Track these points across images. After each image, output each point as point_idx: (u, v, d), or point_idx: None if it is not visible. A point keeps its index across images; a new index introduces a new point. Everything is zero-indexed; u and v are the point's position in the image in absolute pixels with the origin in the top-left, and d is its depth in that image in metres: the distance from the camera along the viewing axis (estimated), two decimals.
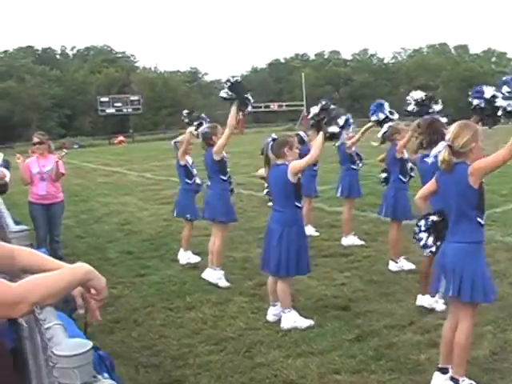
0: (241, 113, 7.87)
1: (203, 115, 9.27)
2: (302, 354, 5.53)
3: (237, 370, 5.28)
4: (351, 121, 7.65)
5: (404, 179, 8.12)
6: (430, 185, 5.04)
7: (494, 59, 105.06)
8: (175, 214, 9.58)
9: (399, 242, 8.23)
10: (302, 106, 73.69)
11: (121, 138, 61.40)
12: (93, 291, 2.23)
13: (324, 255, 8.97)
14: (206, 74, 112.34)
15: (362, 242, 9.71)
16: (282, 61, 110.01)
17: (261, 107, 73.75)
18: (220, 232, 8.08)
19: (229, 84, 7.74)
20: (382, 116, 8.92)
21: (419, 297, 6.63)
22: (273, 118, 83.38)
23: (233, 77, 7.82)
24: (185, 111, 9.51)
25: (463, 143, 4.57)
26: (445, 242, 4.84)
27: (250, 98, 7.84)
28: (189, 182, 9.25)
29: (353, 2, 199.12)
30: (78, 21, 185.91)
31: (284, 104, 78.48)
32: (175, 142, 9.42)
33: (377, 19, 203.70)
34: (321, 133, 6.26)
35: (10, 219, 3.88)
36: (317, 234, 10.46)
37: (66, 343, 1.55)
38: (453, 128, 4.71)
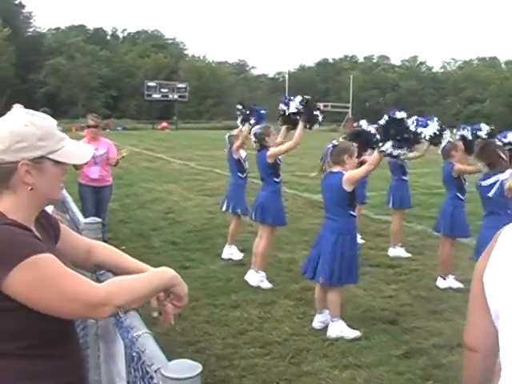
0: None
1: (257, 108, 9.14)
2: (348, 366, 5.46)
3: (282, 377, 5.23)
4: None
5: (462, 197, 7.99)
6: None
7: None
8: (225, 209, 9.45)
9: (450, 259, 8.11)
10: (348, 107, 73.28)
11: (164, 123, 61.68)
12: (172, 296, 2.21)
13: (370, 264, 8.86)
14: (253, 67, 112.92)
15: (409, 255, 9.58)
16: (331, 61, 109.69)
17: None
18: (267, 234, 8.01)
19: (300, 100, 7.65)
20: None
21: None
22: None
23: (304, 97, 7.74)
24: (238, 106, 9.36)
25: None
26: None
27: (319, 115, 7.74)
28: (241, 176, 9.21)
29: (405, 8, 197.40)
30: (130, 4, 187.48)
31: (330, 104, 78.05)
32: (229, 136, 9.36)
33: (428, 27, 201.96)
34: None
35: (79, 212, 3.87)
36: (363, 241, 10.36)
37: (175, 364, 1.50)
38: None
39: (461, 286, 7.91)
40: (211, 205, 13.65)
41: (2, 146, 1.97)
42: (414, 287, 7.95)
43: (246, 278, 7.94)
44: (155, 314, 2.18)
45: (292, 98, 7.79)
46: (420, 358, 5.70)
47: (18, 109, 2.16)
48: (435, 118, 9.00)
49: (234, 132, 9.37)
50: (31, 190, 2.02)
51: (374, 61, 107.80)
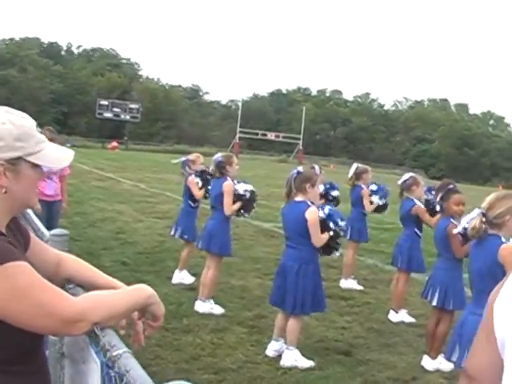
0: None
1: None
2: None
3: None
4: None
5: (419, 233, 8.05)
6: None
7: (491, 122, 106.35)
8: (173, 233, 9.36)
9: (404, 293, 8.13)
10: (299, 139, 73.85)
11: (115, 143, 61.22)
12: (147, 315, 2.11)
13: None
14: (206, 92, 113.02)
15: (361, 288, 9.58)
16: (284, 91, 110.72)
17: (257, 134, 73.89)
18: (215, 264, 7.86)
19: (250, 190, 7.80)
20: (382, 202, 9.59)
21: (425, 357, 6.47)
22: (268, 147, 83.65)
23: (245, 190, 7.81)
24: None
25: (497, 214, 4.50)
26: (465, 311, 4.79)
27: (253, 208, 7.99)
28: (192, 205, 9.13)
29: (360, 45, 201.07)
30: (87, 20, 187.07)
31: (281, 135, 78.66)
32: (185, 160, 9.25)
33: (382, 66, 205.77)
34: None
35: (41, 225, 3.72)
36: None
37: None
38: (489, 198, 4.65)
39: (413, 320, 7.96)
40: (162, 228, 13.49)
41: None
42: (366, 320, 7.94)
43: (196, 307, 7.77)
44: (122, 332, 2.07)
45: (244, 182, 7.93)
46: None
47: None
48: (388, 189, 9.78)
49: (191, 157, 9.27)
50: (5, 193, 1.90)
51: (327, 94, 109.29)
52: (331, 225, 6.10)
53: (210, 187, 8.49)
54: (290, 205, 6.26)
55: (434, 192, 7.52)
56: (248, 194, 7.72)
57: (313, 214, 6.00)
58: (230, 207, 7.64)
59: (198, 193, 8.87)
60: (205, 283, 7.81)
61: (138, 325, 2.12)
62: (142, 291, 2.07)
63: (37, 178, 2.01)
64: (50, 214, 9.05)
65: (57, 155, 2.05)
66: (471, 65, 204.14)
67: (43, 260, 2.16)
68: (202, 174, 8.85)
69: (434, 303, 6.42)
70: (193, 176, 8.91)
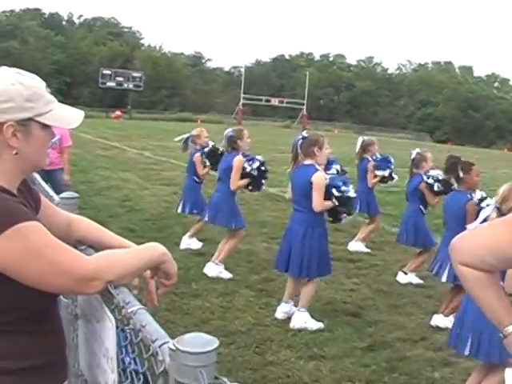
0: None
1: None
2: (313, 357, 5.42)
3: (248, 366, 5.16)
4: None
5: (424, 210, 8.06)
6: None
7: (496, 84, 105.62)
8: (180, 210, 9.34)
9: (424, 262, 8.10)
10: (303, 104, 73.50)
11: (118, 112, 60.96)
12: (159, 274, 2.11)
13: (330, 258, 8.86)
14: (209, 59, 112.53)
15: (368, 250, 9.60)
16: (287, 57, 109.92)
17: (261, 100, 73.57)
18: (232, 235, 7.92)
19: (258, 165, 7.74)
20: (387, 173, 9.60)
21: (434, 316, 6.50)
22: (271, 113, 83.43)
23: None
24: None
25: None
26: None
27: (263, 183, 8.01)
28: (197, 180, 9.13)
29: (363, 8, 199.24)
30: None
31: (285, 100, 78.27)
32: (189, 136, 9.19)
33: (385, 29, 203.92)
34: None
35: (50, 189, 3.72)
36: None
37: (191, 337, 1.40)
38: (502, 189, 4.51)
39: (420, 281, 7.99)
40: (168, 194, 13.55)
41: None
42: (374, 281, 7.98)
43: (205, 270, 7.80)
44: (135, 292, 2.08)
45: (254, 158, 7.79)
46: (384, 351, 5.70)
47: (5, 67, 2.01)
48: (391, 159, 9.70)
49: (194, 132, 9.20)
50: (16, 154, 1.88)
51: (330, 59, 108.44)
52: (334, 191, 6.08)
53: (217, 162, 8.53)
54: (298, 169, 6.24)
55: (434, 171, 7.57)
56: (256, 172, 7.68)
57: (319, 178, 5.99)
58: (236, 182, 7.62)
59: (202, 172, 8.88)
60: (222, 248, 7.86)
61: (150, 284, 2.12)
62: (155, 249, 2.06)
63: (47, 139, 1.99)
64: (50, 183, 9.04)
65: (67, 115, 2.03)
66: (475, 27, 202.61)
67: (54, 222, 2.15)
68: (210, 155, 8.82)
69: (444, 279, 6.37)
70: (199, 153, 8.88)
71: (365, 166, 9.67)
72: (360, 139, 9.98)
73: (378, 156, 9.68)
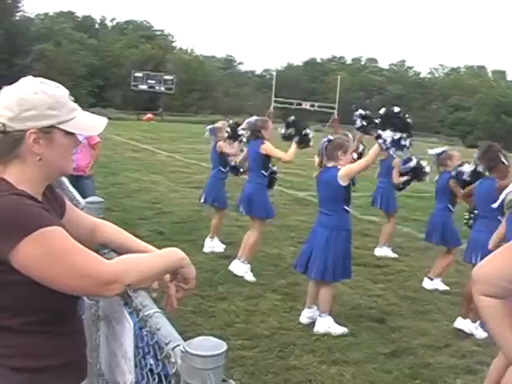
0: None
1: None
2: (336, 362, 5.45)
3: (270, 370, 5.20)
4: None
5: (452, 208, 8.00)
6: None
7: None
8: (203, 200, 9.44)
9: (448, 266, 8.12)
10: (334, 108, 73.28)
11: (150, 115, 61.29)
12: (179, 278, 2.16)
13: (357, 263, 8.83)
14: (241, 63, 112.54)
15: (396, 255, 9.59)
16: (319, 61, 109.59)
17: (292, 104, 73.44)
18: (258, 227, 8.01)
19: (286, 123, 7.75)
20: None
21: (459, 319, 6.51)
22: (302, 117, 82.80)
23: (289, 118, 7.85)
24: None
25: None
26: None
27: (310, 133, 7.84)
28: (223, 170, 9.19)
29: (396, 11, 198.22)
30: None
31: (316, 104, 78.04)
32: (211, 128, 9.30)
33: (418, 32, 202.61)
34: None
35: (77, 193, 3.80)
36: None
37: (199, 340, 1.46)
38: None
39: (447, 288, 7.96)
40: (197, 197, 13.53)
41: (10, 113, 1.90)
42: (400, 287, 7.97)
43: (231, 267, 7.92)
44: (154, 295, 2.13)
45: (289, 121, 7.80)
46: (407, 357, 5.71)
47: (30, 77, 2.08)
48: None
49: (218, 124, 9.29)
50: (40, 160, 1.96)
51: (362, 63, 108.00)
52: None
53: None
54: (323, 171, 6.28)
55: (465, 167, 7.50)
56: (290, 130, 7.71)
57: (342, 170, 6.03)
58: (282, 154, 7.86)
59: (231, 150, 8.93)
60: (247, 244, 7.93)
61: (170, 288, 2.17)
62: (174, 254, 2.12)
63: (71, 146, 2.06)
64: (78, 188, 9.11)
65: (89, 123, 2.10)
66: (509, 30, 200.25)
67: (79, 226, 2.22)
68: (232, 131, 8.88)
69: (474, 261, 6.34)
70: (221, 142, 8.96)
71: (389, 163, 9.64)
72: None
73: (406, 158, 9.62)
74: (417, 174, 9.36)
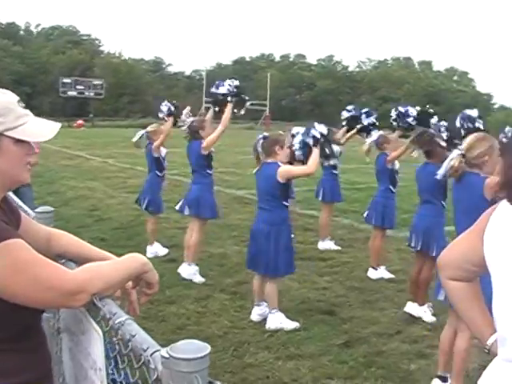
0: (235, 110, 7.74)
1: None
2: (291, 357, 5.48)
3: (227, 369, 5.19)
4: None
5: (393, 189, 8.13)
6: None
7: (455, 78, 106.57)
8: (141, 205, 9.34)
9: (381, 249, 8.25)
10: (265, 105, 73.63)
11: (80, 121, 60.40)
12: (141, 284, 2.15)
13: (301, 258, 8.90)
14: (170, 64, 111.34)
15: (339, 248, 9.70)
16: (248, 59, 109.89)
17: None
18: (199, 227, 7.97)
19: (229, 85, 7.67)
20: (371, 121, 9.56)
21: (408, 303, 6.64)
22: (234, 116, 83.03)
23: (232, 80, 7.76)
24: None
25: (476, 155, 4.59)
26: None
27: (247, 98, 7.93)
28: (159, 174, 9.12)
29: (321, 7, 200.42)
30: None
31: (247, 102, 78.21)
32: (146, 132, 9.22)
33: (344, 27, 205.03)
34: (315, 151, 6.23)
35: (22, 203, 3.71)
36: (291, 235, 10.36)
37: (183, 344, 1.45)
38: (468, 139, 4.74)
39: (392, 276, 8.10)
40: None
41: None
42: (346, 279, 8.07)
43: (179, 270, 7.88)
44: (117, 303, 2.10)
45: (223, 83, 7.73)
46: (360, 346, 5.79)
47: None
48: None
49: (151, 128, 9.23)
50: None
51: (291, 59, 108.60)
52: (310, 141, 6.19)
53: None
54: (262, 168, 6.30)
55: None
56: (234, 90, 7.70)
57: (282, 168, 6.06)
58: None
59: (162, 152, 8.98)
60: (190, 246, 7.89)
61: (132, 294, 2.15)
62: (136, 259, 2.09)
63: (23, 153, 1.99)
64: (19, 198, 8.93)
65: (38, 129, 2.04)
66: (433, 21, 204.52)
67: (34, 236, 2.17)
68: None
69: (418, 248, 6.50)
70: (155, 144, 8.90)
71: None
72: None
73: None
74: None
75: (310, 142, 6.25)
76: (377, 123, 9.49)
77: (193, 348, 1.41)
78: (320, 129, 6.40)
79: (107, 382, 1.89)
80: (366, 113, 9.67)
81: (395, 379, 5.11)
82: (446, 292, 2.30)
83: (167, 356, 1.40)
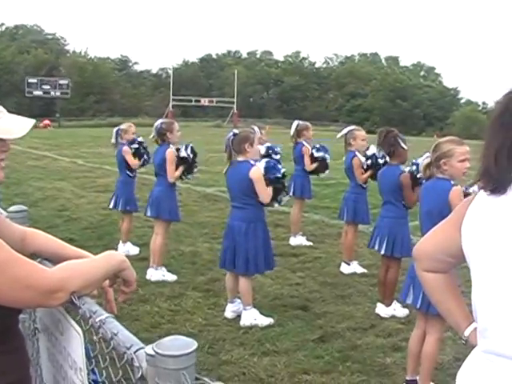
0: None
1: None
2: (267, 353, 5.46)
3: (203, 367, 5.15)
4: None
5: (364, 185, 8.16)
6: None
7: (422, 73, 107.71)
8: (112, 206, 9.27)
9: (353, 245, 8.28)
10: (233, 103, 73.68)
11: (46, 121, 59.80)
12: (119, 282, 2.12)
13: (274, 254, 8.90)
14: (136, 63, 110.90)
15: (310, 243, 9.72)
16: (214, 56, 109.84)
17: (191, 101, 73.37)
18: (163, 230, 7.90)
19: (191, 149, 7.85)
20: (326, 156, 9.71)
21: (378, 305, 6.66)
22: (201, 113, 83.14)
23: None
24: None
25: (435, 157, 4.68)
26: None
27: (196, 168, 8.01)
28: (130, 175, 9.08)
29: (287, 3, 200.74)
30: None
31: (215, 100, 78.23)
32: (118, 130, 9.17)
33: (310, 23, 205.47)
34: None
35: None
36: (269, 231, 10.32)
37: (168, 341, 1.42)
38: (438, 141, 4.83)
39: (364, 270, 8.14)
40: (105, 201, 13.25)
41: None
42: (319, 274, 8.08)
43: (148, 277, 7.76)
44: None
45: (186, 146, 7.84)
46: (335, 341, 5.79)
47: None
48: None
49: (123, 126, 9.19)
50: None
51: (258, 56, 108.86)
52: (272, 176, 6.14)
53: (145, 157, 8.80)
54: (233, 166, 6.25)
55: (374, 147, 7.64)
56: (191, 156, 7.74)
57: (256, 173, 6.01)
58: (173, 174, 7.64)
59: (134, 161, 8.84)
60: (154, 250, 7.83)
61: (109, 292, 2.13)
62: (114, 257, 2.07)
63: None
64: None
65: (10, 126, 2.01)
66: (400, 17, 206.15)
67: (8, 235, 2.12)
68: (132, 144, 8.88)
69: (383, 252, 6.55)
70: (126, 146, 8.86)
71: (299, 150, 9.75)
72: (295, 123, 10.02)
73: (317, 145, 9.79)
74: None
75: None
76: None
77: (179, 344, 1.39)
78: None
79: (88, 382, 1.86)
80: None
81: (371, 373, 5.13)
82: (422, 283, 2.29)
83: (153, 353, 1.38)
